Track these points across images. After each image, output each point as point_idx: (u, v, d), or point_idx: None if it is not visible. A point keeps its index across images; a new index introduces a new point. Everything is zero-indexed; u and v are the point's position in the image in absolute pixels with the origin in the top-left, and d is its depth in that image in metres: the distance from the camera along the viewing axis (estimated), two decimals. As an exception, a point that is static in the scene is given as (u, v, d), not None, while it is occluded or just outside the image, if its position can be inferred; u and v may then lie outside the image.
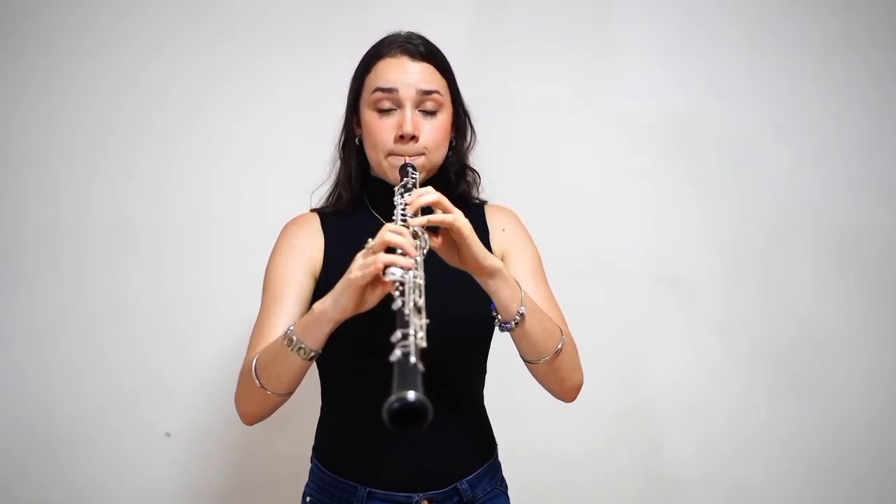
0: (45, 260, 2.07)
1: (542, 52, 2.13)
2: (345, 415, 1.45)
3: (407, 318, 1.06)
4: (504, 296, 1.29)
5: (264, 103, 2.08)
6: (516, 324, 1.30)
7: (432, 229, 1.24)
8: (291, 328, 1.25)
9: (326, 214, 1.49)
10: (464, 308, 1.39)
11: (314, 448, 1.51)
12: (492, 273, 1.27)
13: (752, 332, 2.19)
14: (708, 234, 2.17)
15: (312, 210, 1.53)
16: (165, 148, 2.08)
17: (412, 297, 1.10)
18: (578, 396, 1.46)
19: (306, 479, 1.51)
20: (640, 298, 2.17)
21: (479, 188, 1.56)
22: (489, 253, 1.27)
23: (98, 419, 2.09)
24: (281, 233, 1.49)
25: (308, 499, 1.47)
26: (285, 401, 1.33)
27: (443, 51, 1.45)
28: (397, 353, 1.01)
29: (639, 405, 2.19)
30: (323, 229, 1.47)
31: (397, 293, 1.11)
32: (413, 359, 1.00)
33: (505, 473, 1.55)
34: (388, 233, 1.16)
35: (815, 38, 2.14)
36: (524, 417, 1.90)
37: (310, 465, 1.51)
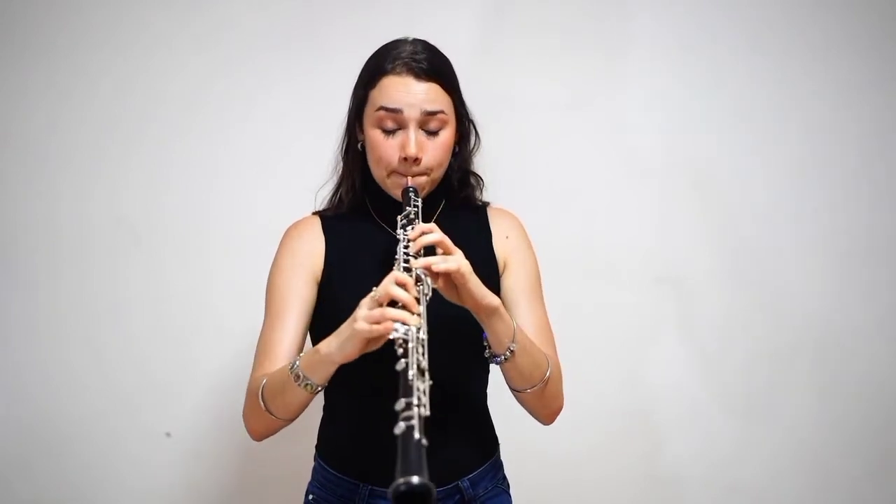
0: (45, 260, 2.07)
1: (543, 51, 2.13)
2: (347, 413, 1.46)
3: (410, 382, 1.07)
4: (498, 332, 1.31)
5: (265, 102, 2.08)
6: (506, 359, 1.32)
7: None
8: (297, 363, 1.26)
9: (328, 217, 1.50)
10: (464, 307, 1.39)
11: (317, 446, 1.52)
12: (489, 312, 1.29)
13: (752, 332, 2.19)
14: (708, 234, 2.17)
15: (314, 213, 1.53)
16: (165, 148, 2.08)
17: (415, 357, 1.11)
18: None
19: (308, 478, 1.51)
20: (640, 298, 2.17)
21: (482, 190, 1.57)
22: (487, 291, 1.28)
23: (98, 419, 2.09)
24: (282, 240, 1.49)
25: (311, 497, 1.48)
26: (292, 422, 1.35)
27: (443, 51, 1.44)
28: (401, 425, 1.02)
29: (639, 405, 2.19)
30: (324, 234, 1.47)
31: (400, 350, 1.13)
32: (417, 434, 1.01)
33: (506, 472, 1.55)
34: (392, 286, 1.17)
35: (815, 39, 2.14)
36: (526, 417, 1.89)
37: (313, 463, 1.51)
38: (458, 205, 1.51)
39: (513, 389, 1.40)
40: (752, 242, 2.18)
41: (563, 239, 2.09)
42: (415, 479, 0.94)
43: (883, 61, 2.15)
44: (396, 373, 1.10)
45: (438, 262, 1.23)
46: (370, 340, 1.19)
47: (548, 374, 1.38)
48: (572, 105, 2.13)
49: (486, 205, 1.56)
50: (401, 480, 0.95)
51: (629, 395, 2.19)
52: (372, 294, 1.19)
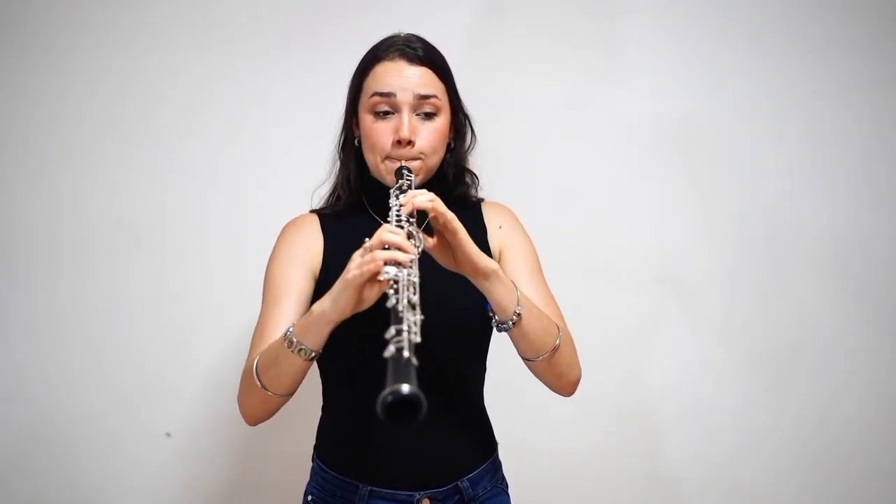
0: (45, 260, 2.07)
1: (542, 50, 2.13)
2: (346, 414, 1.46)
3: (401, 314, 1.07)
4: (500, 297, 1.30)
5: (265, 102, 2.08)
6: (513, 324, 1.31)
7: (427, 229, 1.26)
8: (291, 329, 1.26)
9: (325, 215, 1.50)
10: (461, 307, 1.39)
11: (315, 447, 1.52)
12: (487, 274, 1.28)
13: (752, 332, 2.18)
14: (708, 234, 2.17)
15: (312, 211, 1.53)
16: (165, 148, 2.08)
17: (406, 294, 1.11)
18: (577, 392, 1.47)
19: (307, 479, 1.51)
20: (640, 298, 2.17)
21: (478, 189, 1.57)
22: (483, 254, 1.28)
23: (98, 419, 2.09)
24: (280, 235, 1.49)
25: (309, 498, 1.48)
26: (286, 401, 1.34)
27: (442, 50, 1.45)
28: (391, 348, 1.02)
29: (639, 405, 2.19)
30: (322, 230, 1.48)
31: (392, 291, 1.12)
32: (406, 353, 1.00)
33: (506, 472, 1.55)
34: (384, 232, 1.18)
35: (816, 38, 2.14)
36: (524, 417, 1.90)
37: (311, 464, 1.51)
38: (454, 202, 1.50)
39: (525, 360, 1.39)
40: (752, 242, 2.18)
41: (563, 239, 2.09)
42: (405, 388, 0.93)
43: (883, 61, 2.15)
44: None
45: (433, 205, 1.23)
46: (363, 290, 1.18)
47: (558, 340, 1.37)
48: (572, 105, 2.13)
49: (480, 201, 1.56)
50: (388, 390, 0.93)
51: (629, 395, 2.19)
52: (364, 245, 1.19)
